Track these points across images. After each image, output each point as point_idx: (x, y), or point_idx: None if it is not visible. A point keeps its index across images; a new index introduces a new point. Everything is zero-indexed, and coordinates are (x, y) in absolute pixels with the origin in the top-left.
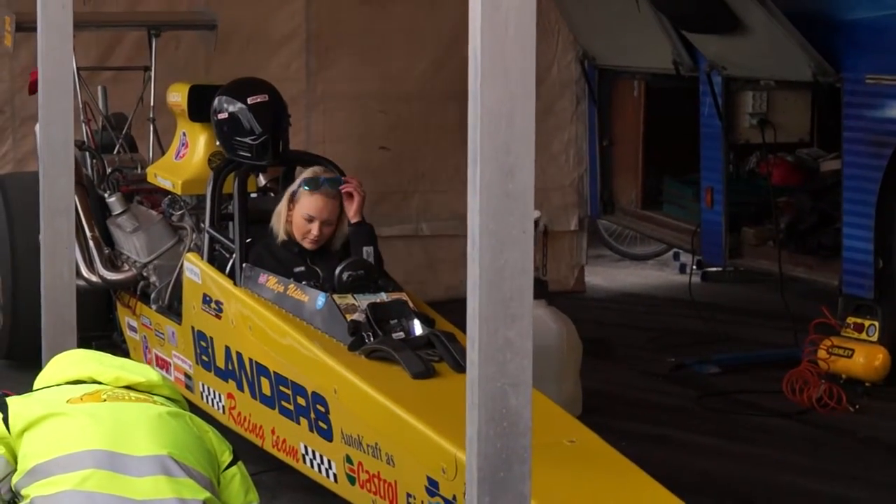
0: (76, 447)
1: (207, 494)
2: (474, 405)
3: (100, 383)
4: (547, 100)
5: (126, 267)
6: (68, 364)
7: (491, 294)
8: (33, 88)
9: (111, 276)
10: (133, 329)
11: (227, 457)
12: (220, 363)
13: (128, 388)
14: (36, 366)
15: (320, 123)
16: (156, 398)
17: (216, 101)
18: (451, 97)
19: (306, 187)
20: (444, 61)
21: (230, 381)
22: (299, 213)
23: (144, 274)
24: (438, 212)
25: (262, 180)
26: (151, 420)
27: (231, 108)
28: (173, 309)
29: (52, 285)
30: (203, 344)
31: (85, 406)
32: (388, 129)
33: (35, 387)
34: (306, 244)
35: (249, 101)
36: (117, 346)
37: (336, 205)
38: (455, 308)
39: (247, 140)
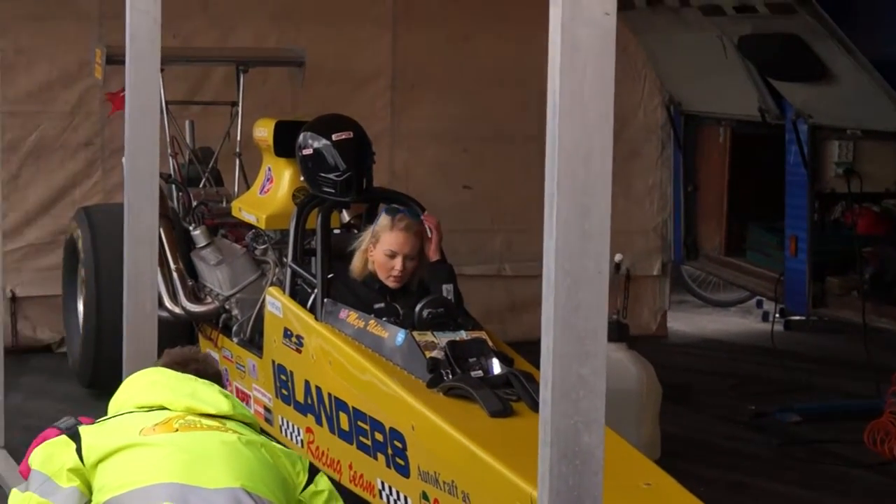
0: (150, 480)
1: None
2: (546, 443)
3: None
4: (632, 144)
5: (209, 299)
6: (141, 389)
7: (565, 332)
8: (117, 107)
9: (194, 307)
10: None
11: (302, 478)
12: (300, 397)
13: (200, 414)
14: None
15: (404, 161)
16: (228, 424)
17: (301, 137)
18: (534, 136)
19: (387, 213)
20: (527, 100)
21: (309, 415)
22: (381, 251)
23: (227, 307)
24: (521, 252)
25: (345, 216)
26: (224, 450)
27: (316, 145)
28: (254, 342)
29: (135, 316)
30: (283, 378)
31: (158, 437)
32: (471, 168)
33: (109, 411)
34: (390, 283)
35: (334, 137)
36: None
37: (417, 241)
38: (535, 349)
39: (331, 176)
